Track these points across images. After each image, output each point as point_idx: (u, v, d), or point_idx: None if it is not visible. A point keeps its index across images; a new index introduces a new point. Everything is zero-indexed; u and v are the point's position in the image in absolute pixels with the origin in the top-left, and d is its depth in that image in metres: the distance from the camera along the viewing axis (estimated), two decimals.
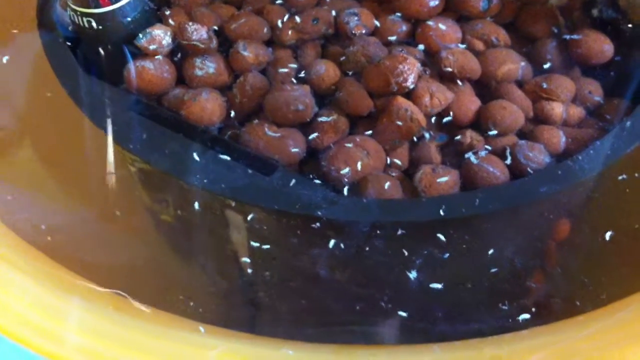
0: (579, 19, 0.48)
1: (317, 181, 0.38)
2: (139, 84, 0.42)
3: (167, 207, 0.44)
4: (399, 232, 0.36)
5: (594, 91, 0.45)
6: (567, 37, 0.45)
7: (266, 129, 0.40)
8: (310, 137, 0.41)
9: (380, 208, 0.37)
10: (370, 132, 0.41)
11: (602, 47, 0.45)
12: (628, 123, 0.41)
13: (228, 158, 0.39)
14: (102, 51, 0.44)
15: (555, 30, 0.47)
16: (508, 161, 0.40)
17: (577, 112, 0.44)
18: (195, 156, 0.39)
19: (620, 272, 0.37)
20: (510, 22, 0.48)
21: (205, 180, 0.38)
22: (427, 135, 0.41)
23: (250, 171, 0.38)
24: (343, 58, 0.43)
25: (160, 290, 0.37)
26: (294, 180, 0.38)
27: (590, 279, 0.36)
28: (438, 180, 0.39)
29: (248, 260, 0.37)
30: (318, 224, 0.36)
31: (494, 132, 0.41)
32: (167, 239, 0.43)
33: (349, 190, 0.38)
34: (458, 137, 0.42)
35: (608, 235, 0.38)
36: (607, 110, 0.44)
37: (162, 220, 0.43)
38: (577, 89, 0.44)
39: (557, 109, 0.43)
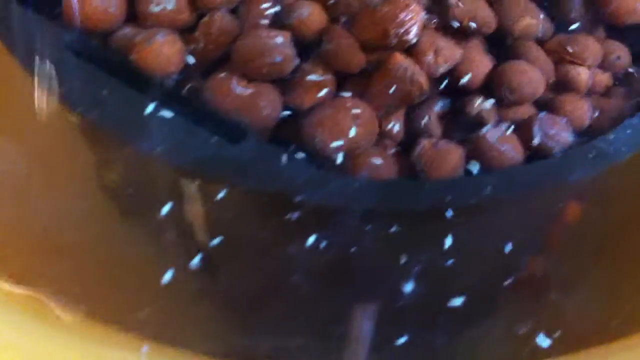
0: None
1: (300, 154, 0.30)
2: (80, 17, 0.34)
3: (111, 171, 0.36)
4: (394, 226, 0.29)
5: (623, 56, 0.37)
6: None
7: (234, 84, 0.32)
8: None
9: (378, 192, 0.29)
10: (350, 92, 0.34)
11: (635, 4, 0.37)
12: None
13: (186, 119, 0.31)
14: None
15: None
16: (535, 140, 0.32)
17: (604, 78, 0.37)
18: (145, 114, 0.31)
19: None
20: None
21: (158, 147, 0.30)
22: (431, 106, 0.33)
23: (214, 138, 0.30)
24: (332, 1, 0.35)
25: (92, 288, 0.29)
26: (268, 151, 0.30)
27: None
28: (441, 157, 0.32)
29: (207, 254, 0.30)
30: (297, 213, 0.29)
31: (510, 99, 0.34)
32: (109, 210, 0.35)
33: (335, 167, 0.31)
34: (465, 105, 0.34)
35: None
36: (637, 78, 0.37)
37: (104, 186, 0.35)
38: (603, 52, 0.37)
39: (583, 75, 0.36)
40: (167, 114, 0.31)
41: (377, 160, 0.31)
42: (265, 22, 0.35)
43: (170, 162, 0.30)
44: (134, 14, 0.35)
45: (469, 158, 0.32)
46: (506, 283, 0.30)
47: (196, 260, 0.29)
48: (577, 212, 0.37)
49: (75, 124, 0.35)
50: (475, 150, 0.32)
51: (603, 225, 0.34)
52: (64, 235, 0.32)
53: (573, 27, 0.37)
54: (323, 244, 0.29)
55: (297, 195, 0.29)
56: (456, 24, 0.35)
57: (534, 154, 0.33)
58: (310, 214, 0.29)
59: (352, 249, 0.29)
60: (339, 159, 0.31)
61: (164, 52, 0.33)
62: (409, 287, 0.29)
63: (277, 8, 0.35)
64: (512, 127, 0.33)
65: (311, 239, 0.29)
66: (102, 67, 0.32)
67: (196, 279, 0.30)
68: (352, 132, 0.31)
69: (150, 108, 0.31)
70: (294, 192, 0.29)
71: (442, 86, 0.35)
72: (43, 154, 0.35)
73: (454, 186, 0.30)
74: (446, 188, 0.30)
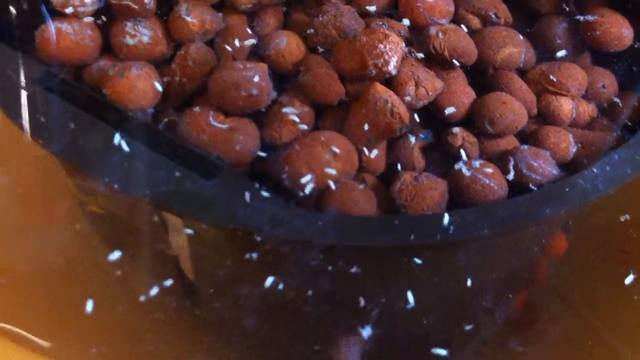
0: None
1: (265, 193, 0.29)
2: (54, 51, 0.33)
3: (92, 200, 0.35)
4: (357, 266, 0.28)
5: (609, 85, 0.36)
6: (580, 17, 0.36)
7: (210, 118, 0.31)
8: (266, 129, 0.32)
9: (342, 229, 0.28)
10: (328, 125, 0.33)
11: (621, 31, 0.36)
12: None
13: (159, 154, 0.30)
14: (13, 9, 0.34)
15: (565, 7, 0.38)
16: (510, 175, 0.31)
17: (588, 109, 0.36)
18: (116, 148, 0.30)
19: None
20: None
21: (122, 181, 0.29)
22: (412, 139, 0.32)
23: (178, 174, 0.29)
24: (310, 31, 0.34)
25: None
26: (232, 187, 0.29)
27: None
28: (422, 191, 0.31)
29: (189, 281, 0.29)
30: (255, 253, 0.27)
31: (491, 132, 0.33)
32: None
33: (307, 202, 0.30)
34: (447, 137, 0.33)
35: (629, 279, 0.30)
36: (623, 108, 0.36)
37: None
38: (588, 81, 0.36)
39: (566, 106, 0.35)
40: (130, 147, 0.29)
41: (356, 195, 0.30)
42: (242, 53, 0.34)
43: (130, 195, 0.28)
44: (109, 46, 0.34)
45: (451, 192, 0.31)
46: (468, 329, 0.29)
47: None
48: (563, 246, 0.36)
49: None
50: (456, 184, 0.31)
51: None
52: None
53: (560, 54, 0.36)
54: (281, 286, 0.28)
55: (259, 233, 0.27)
56: (436, 55, 0.34)
57: (517, 188, 0.32)
58: (271, 253, 0.28)
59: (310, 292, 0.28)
60: (310, 192, 0.30)
61: (138, 86, 0.32)
62: (366, 332, 0.28)
63: (254, 39, 0.34)
64: (489, 160, 0.32)
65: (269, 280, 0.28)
66: (72, 100, 0.31)
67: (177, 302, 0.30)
68: (329, 167, 0.30)
69: (114, 141, 0.30)
70: (256, 229, 0.28)
71: (424, 118, 0.33)
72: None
73: (422, 223, 0.29)
74: (414, 225, 0.28)
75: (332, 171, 0.30)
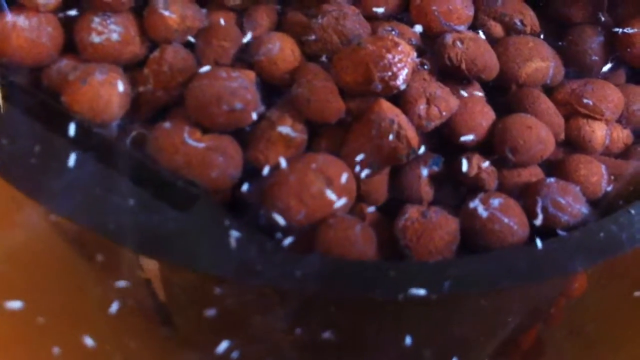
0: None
1: (236, 233, 0.24)
2: (4, 48, 0.27)
3: None
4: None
5: None
6: (619, 30, 0.31)
7: (185, 135, 0.26)
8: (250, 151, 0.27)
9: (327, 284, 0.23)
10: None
11: None
12: None
13: (122, 177, 0.25)
14: None
15: (600, 16, 0.32)
16: (533, 214, 0.26)
17: (622, 136, 0.31)
18: (70, 168, 0.24)
19: None
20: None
21: (74, 210, 0.23)
22: (420, 166, 0.27)
23: (141, 203, 0.24)
24: (312, 37, 0.29)
25: None
26: (208, 223, 0.24)
27: None
28: (430, 230, 0.25)
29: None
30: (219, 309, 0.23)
31: (513, 161, 0.28)
32: None
33: (296, 242, 0.24)
34: (460, 165, 0.28)
35: None
36: None
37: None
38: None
39: (598, 132, 0.29)
40: (86, 167, 0.24)
41: (351, 234, 0.25)
42: (227, 59, 0.28)
43: (82, 227, 0.23)
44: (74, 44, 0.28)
45: (463, 232, 0.26)
46: None
47: None
48: (583, 286, 0.32)
49: None
50: (469, 223, 0.26)
51: None
52: None
53: (605, 69, 0.30)
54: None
55: (225, 281, 0.22)
56: (452, 67, 0.29)
57: (543, 228, 0.26)
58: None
59: None
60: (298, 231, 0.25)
61: (102, 94, 0.26)
62: None
63: (242, 42, 0.29)
64: (509, 194, 0.27)
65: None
66: (20, 108, 0.25)
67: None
68: (323, 199, 0.25)
69: (68, 160, 0.24)
70: (222, 276, 0.23)
71: (434, 141, 0.28)
72: None
73: (427, 273, 0.24)
74: (416, 274, 0.23)
75: (326, 205, 0.25)
